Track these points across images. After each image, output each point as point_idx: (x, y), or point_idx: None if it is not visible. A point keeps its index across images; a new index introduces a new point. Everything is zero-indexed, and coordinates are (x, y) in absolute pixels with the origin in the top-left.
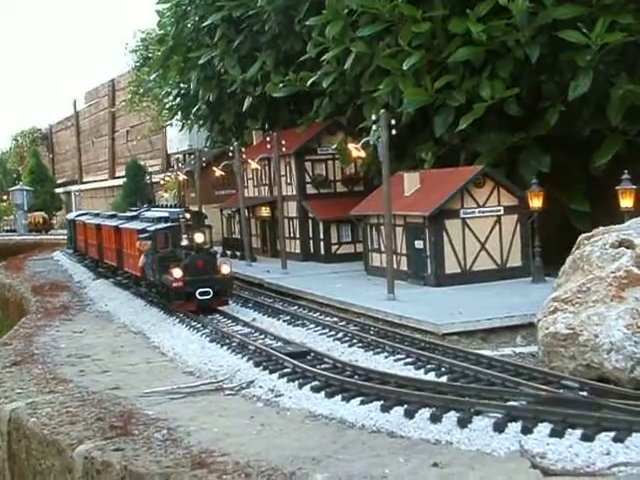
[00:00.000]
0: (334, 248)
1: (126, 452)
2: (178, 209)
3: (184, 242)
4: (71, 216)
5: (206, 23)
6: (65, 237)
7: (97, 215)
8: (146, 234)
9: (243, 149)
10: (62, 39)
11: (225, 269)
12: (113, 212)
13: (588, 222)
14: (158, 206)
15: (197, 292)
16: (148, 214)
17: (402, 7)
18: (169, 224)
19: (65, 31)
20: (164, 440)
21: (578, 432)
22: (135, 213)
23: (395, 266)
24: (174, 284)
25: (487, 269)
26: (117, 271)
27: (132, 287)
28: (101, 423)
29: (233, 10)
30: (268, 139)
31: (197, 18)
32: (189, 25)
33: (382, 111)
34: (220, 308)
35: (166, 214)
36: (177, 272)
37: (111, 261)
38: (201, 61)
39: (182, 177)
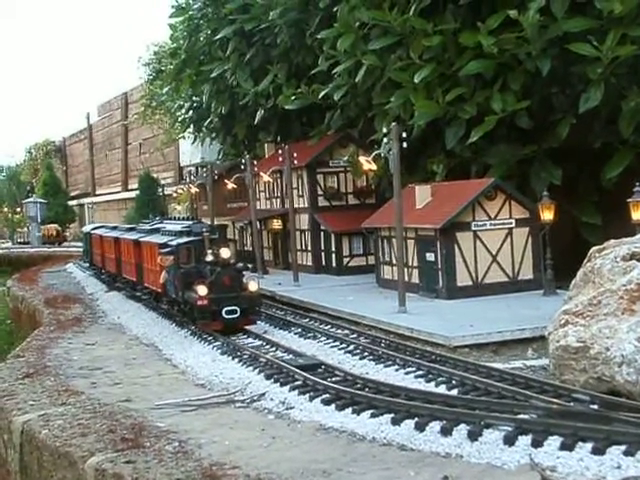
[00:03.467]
0: (346, 260)
1: (137, 464)
2: (190, 222)
3: (209, 257)
4: (87, 229)
5: (218, 36)
6: (78, 249)
7: (115, 228)
8: (168, 248)
9: (255, 162)
10: (76, 53)
11: (253, 286)
12: (132, 225)
13: (600, 235)
14: (170, 219)
15: (223, 311)
16: (169, 227)
17: (413, 20)
18: (192, 238)
19: (79, 45)
20: (175, 452)
21: (589, 445)
22: (156, 226)
23: (406, 279)
24: (199, 302)
25: (499, 282)
26: (136, 286)
27: (150, 302)
28: (112, 435)
29: (245, 24)
30: (280, 152)
31: (209, 32)
32: (201, 38)
33: (393, 124)
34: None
35: (187, 227)
36: (202, 289)
37: (130, 276)
38: (213, 74)
39: (194, 190)
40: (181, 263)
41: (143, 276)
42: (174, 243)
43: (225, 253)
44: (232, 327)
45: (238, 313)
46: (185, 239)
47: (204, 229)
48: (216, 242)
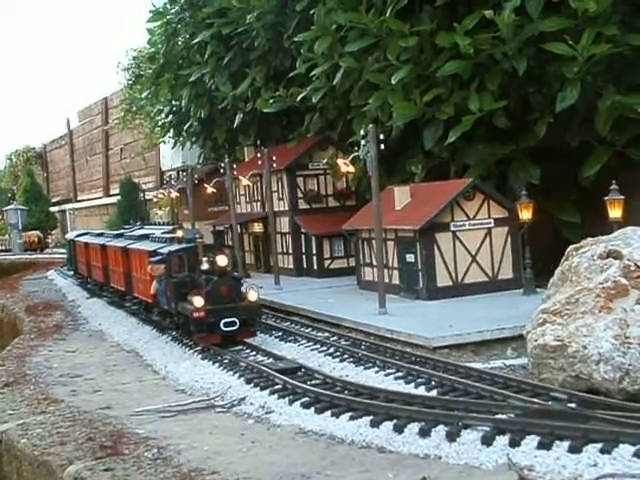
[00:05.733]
0: (327, 263)
1: (116, 472)
2: (170, 227)
3: (205, 266)
4: (70, 236)
5: (196, 40)
6: (60, 256)
7: (100, 235)
8: (158, 257)
9: (235, 165)
10: (54, 58)
11: (252, 296)
12: (119, 231)
13: (579, 233)
14: (151, 224)
15: (221, 323)
16: (159, 233)
17: (390, 22)
18: (184, 245)
19: (57, 50)
20: (154, 459)
21: (565, 444)
22: (145, 232)
23: (387, 280)
24: (195, 314)
25: (478, 281)
26: (125, 296)
27: (133, 309)
28: (91, 443)
29: (222, 27)
30: (259, 155)
31: (187, 36)
32: (179, 43)
33: (370, 126)
34: None
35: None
36: (198, 300)
37: (118, 285)
38: (192, 78)
39: (175, 194)
40: (173, 272)
41: (132, 286)
42: (165, 251)
43: (222, 261)
44: (231, 340)
45: (237, 325)
46: (177, 246)
47: (197, 235)
48: (212, 249)
